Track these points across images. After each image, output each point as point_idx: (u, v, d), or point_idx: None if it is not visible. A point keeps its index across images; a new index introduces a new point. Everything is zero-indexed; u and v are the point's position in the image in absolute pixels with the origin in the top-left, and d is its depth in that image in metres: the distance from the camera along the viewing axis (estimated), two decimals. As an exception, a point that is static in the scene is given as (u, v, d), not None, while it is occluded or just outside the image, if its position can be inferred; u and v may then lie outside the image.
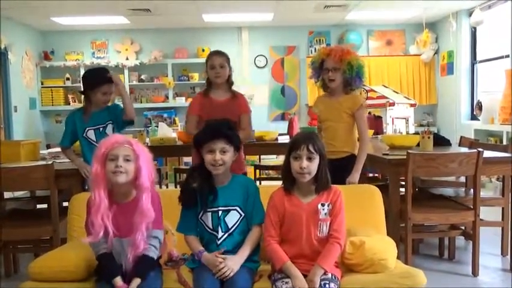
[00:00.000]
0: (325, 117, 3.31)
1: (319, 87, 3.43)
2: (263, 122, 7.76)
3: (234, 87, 3.46)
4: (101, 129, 3.22)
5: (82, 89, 3.33)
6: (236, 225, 2.17)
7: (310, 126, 6.91)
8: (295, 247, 2.09)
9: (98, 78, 3.23)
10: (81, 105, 3.50)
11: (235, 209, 2.18)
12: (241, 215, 2.19)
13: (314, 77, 3.38)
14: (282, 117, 8.20)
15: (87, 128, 3.22)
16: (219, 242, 2.15)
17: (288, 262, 2.03)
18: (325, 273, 2.01)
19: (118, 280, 1.97)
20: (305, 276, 2.00)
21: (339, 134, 3.22)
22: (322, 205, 2.10)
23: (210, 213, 2.17)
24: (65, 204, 3.10)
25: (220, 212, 2.17)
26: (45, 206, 3.79)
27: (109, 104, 3.33)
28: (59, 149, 4.57)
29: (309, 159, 2.06)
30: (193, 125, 3.32)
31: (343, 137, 3.21)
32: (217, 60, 3.29)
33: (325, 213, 2.09)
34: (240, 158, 3.42)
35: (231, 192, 2.20)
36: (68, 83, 7.94)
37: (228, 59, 3.35)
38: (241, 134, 3.10)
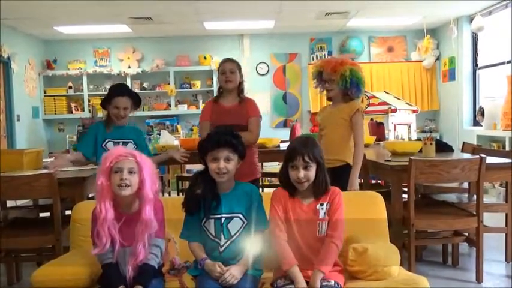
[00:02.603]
0: (323, 125, 3.39)
1: (322, 95, 3.51)
2: (265, 129, 7.67)
3: None
4: (121, 143, 3.23)
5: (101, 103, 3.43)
6: (239, 232, 2.17)
7: (311, 133, 6.91)
8: (295, 247, 2.09)
9: (114, 89, 3.36)
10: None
11: (238, 216, 2.18)
12: (244, 222, 2.19)
13: (318, 87, 3.47)
14: (284, 124, 8.21)
15: (107, 139, 3.28)
16: (221, 249, 2.15)
17: (296, 267, 2.03)
18: (327, 280, 2.01)
19: None
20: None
21: (334, 142, 3.23)
22: (321, 205, 2.13)
23: (213, 220, 2.17)
24: (68, 212, 3.10)
25: (223, 219, 2.17)
26: (47, 214, 3.79)
27: (125, 122, 3.39)
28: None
29: (306, 168, 2.08)
30: (206, 130, 3.33)
31: (339, 146, 3.22)
32: (228, 66, 3.39)
33: (324, 213, 2.12)
34: (254, 163, 3.43)
35: (235, 199, 2.21)
36: (71, 92, 7.97)
37: (239, 66, 3.45)
38: (245, 136, 3.11)
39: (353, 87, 3.24)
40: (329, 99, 3.45)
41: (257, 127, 3.42)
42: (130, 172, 2.04)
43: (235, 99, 3.43)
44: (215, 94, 8.51)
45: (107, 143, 3.27)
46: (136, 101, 3.38)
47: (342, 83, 3.22)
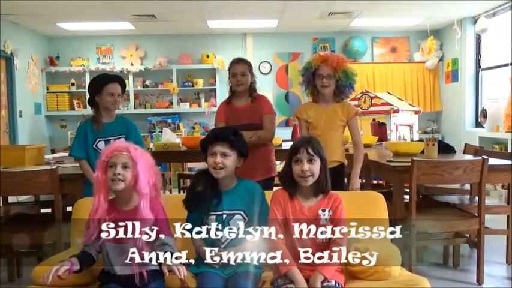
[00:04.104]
0: (317, 124, 3.21)
1: (307, 94, 3.41)
2: (267, 128, 7.75)
3: None
4: (112, 141, 3.05)
5: (89, 99, 3.25)
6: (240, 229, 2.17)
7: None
8: (293, 250, 2.06)
9: (102, 78, 3.19)
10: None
11: (239, 213, 2.19)
12: (245, 220, 2.19)
13: (304, 84, 3.34)
14: (286, 123, 8.21)
15: (98, 139, 3.14)
16: (222, 246, 2.15)
17: (295, 268, 2.02)
18: (328, 280, 2.00)
19: (65, 262, 1.97)
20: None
21: (330, 143, 3.10)
22: (323, 210, 2.11)
23: (215, 216, 2.17)
24: (69, 209, 3.10)
25: (224, 216, 2.18)
26: (49, 210, 3.79)
27: (114, 114, 3.24)
28: (63, 154, 4.60)
29: (310, 161, 2.08)
30: None
31: (334, 146, 3.16)
32: (239, 69, 3.33)
33: (326, 219, 2.11)
34: (270, 160, 3.43)
35: (236, 196, 2.21)
36: (73, 89, 7.99)
37: (250, 67, 3.38)
38: (262, 134, 3.23)
39: (349, 86, 3.20)
40: (314, 96, 3.28)
41: (272, 124, 3.38)
42: (125, 167, 2.04)
43: (248, 99, 3.40)
44: (217, 93, 8.53)
45: (97, 143, 3.13)
46: (123, 88, 3.22)
47: (342, 80, 3.16)
